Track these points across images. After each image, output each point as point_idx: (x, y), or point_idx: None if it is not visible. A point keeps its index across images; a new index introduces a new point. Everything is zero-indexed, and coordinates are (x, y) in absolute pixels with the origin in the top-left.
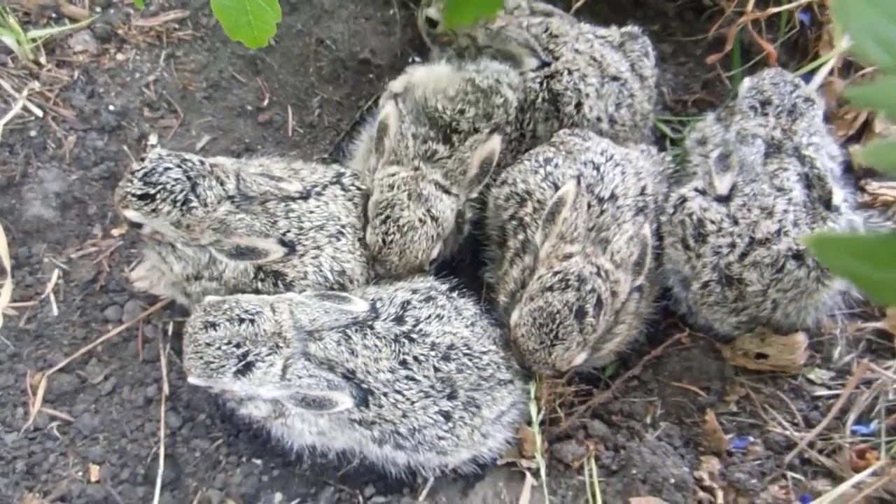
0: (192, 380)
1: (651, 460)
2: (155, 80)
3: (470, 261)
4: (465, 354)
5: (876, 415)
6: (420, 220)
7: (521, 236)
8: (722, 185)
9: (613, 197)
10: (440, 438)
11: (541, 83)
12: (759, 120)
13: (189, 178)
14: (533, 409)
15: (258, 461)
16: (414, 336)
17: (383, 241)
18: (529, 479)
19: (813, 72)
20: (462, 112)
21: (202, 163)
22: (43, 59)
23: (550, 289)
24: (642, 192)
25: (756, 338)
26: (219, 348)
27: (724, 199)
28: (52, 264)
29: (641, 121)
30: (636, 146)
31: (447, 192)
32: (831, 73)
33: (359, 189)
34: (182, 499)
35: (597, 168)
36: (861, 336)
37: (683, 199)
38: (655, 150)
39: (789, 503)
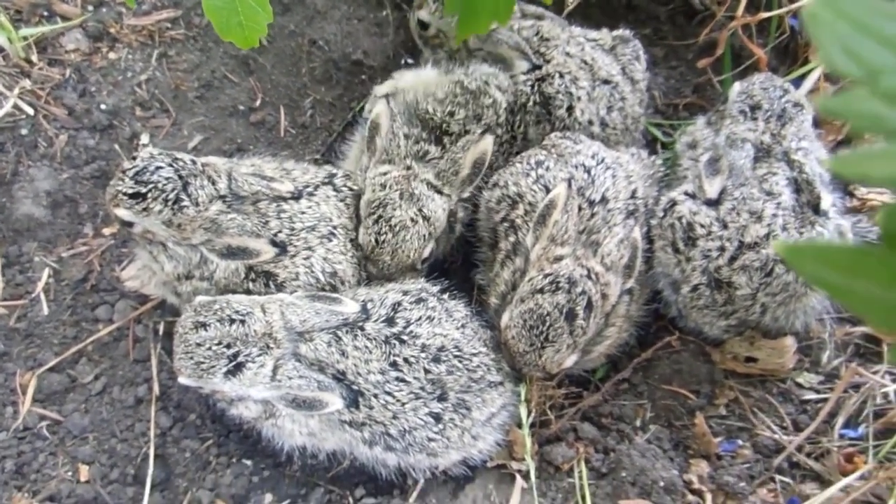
0: (182, 380)
1: (640, 463)
2: (147, 79)
3: (461, 263)
4: (456, 356)
5: (864, 419)
6: (412, 220)
7: (512, 239)
8: (711, 188)
9: (604, 200)
10: (430, 440)
11: (532, 86)
12: (749, 124)
13: (180, 177)
14: (523, 411)
15: (248, 462)
16: (404, 338)
17: (375, 240)
18: (519, 482)
19: (803, 77)
20: (452, 114)
21: (194, 162)
22: (34, 58)
23: (541, 291)
24: (633, 196)
25: (745, 341)
26: (209, 349)
27: (714, 203)
28: (42, 263)
29: (633, 124)
30: (627, 149)
31: (439, 191)
32: (821, 78)
33: (350, 190)
34: (172, 499)
35: (588, 171)
36: (849, 340)
37: (673, 203)
38: (646, 153)
39: None
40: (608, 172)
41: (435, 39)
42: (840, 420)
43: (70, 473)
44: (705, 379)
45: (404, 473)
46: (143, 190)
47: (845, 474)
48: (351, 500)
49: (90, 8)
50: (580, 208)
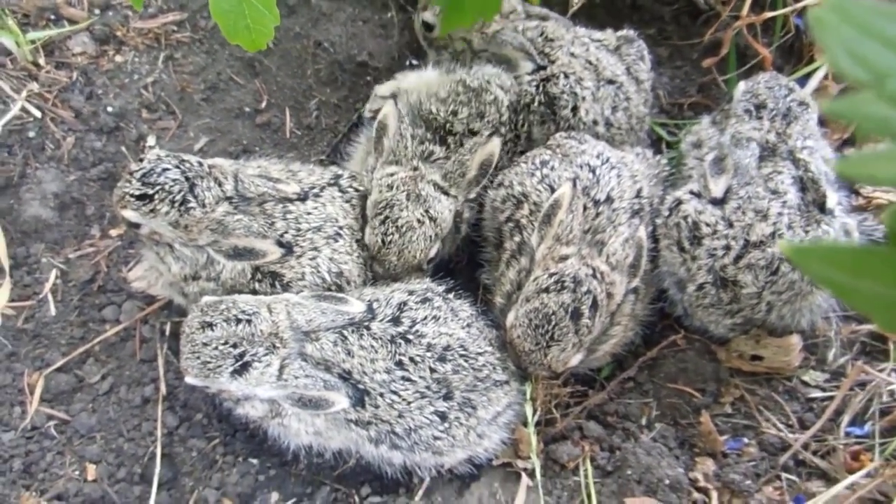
0: (189, 380)
1: (646, 461)
2: (153, 81)
3: (467, 262)
4: (461, 355)
5: (870, 416)
6: (418, 221)
7: (517, 238)
8: (717, 187)
9: (609, 199)
10: (436, 439)
11: (537, 86)
12: (754, 123)
13: (187, 178)
14: (528, 409)
15: (255, 461)
16: (410, 337)
17: (382, 241)
18: (525, 480)
19: (808, 75)
20: (455, 113)
21: (200, 164)
22: (42, 61)
23: (546, 290)
24: (638, 195)
25: (751, 340)
26: (216, 348)
27: (719, 202)
28: (50, 264)
29: (637, 124)
30: (632, 149)
31: (445, 193)
32: (826, 77)
33: (356, 190)
34: (178, 498)
35: (593, 171)
36: (855, 338)
37: (679, 202)
38: (651, 153)
39: None
40: (613, 172)
41: (439, 41)
42: (846, 418)
43: (77, 472)
44: (711, 377)
45: (410, 472)
46: (150, 191)
47: (851, 472)
48: (357, 498)
49: (97, 11)
50: (585, 208)
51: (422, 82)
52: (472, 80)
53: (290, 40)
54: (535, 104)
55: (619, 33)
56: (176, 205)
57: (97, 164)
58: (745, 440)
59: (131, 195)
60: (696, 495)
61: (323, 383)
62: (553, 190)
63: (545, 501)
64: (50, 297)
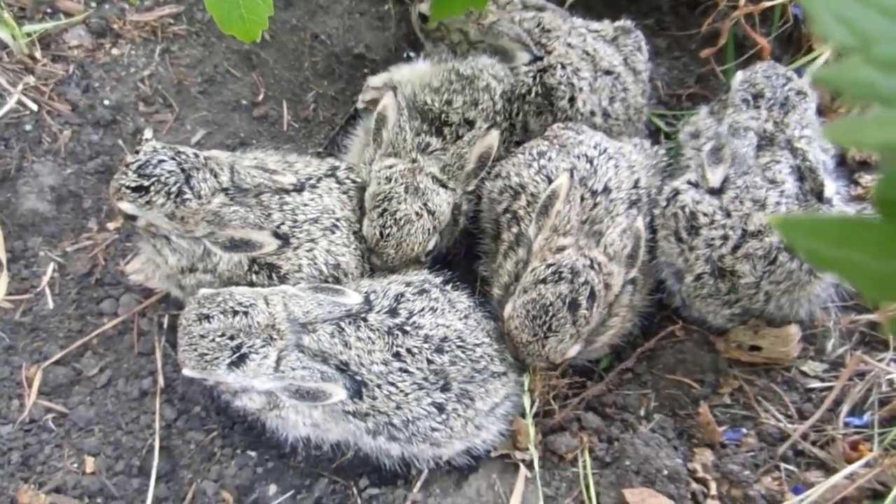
0: (186, 372)
1: (644, 452)
2: (150, 74)
3: (464, 254)
4: (459, 347)
5: (869, 406)
6: (417, 214)
7: (514, 229)
8: (714, 177)
9: (607, 190)
10: (434, 430)
11: (534, 77)
12: (752, 113)
13: (183, 170)
14: (526, 401)
15: (253, 453)
16: (407, 328)
17: (380, 233)
18: (523, 471)
19: (807, 65)
20: (449, 103)
21: (196, 155)
22: (38, 54)
23: (543, 281)
24: (636, 186)
25: (749, 330)
26: (213, 340)
27: (717, 192)
28: (47, 257)
29: (635, 115)
30: (630, 140)
31: (444, 185)
32: (825, 66)
33: (353, 182)
34: (177, 490)
35: (590, 161)
36: (854, 328)
37: (676, 192)
38: (649, 143)
39: (782, 494)
40: (611, 162)
41: (436, 33)
42: (845, 408)
43: (76, 465)
44: (709, 368)
45: (408, 463)
46: (146, 183)
47: (850, 462)
48: (355, 490)
49: (93, 4)
50: (583, 198)
51: (415, 74)
52: (464, 68)
53: (286, 33)
54: (532, 95)
55: (617, 24)
56: (172, 196)
57: (94, 158)
58: (744, 431)
59: (127, 187)
60: (694, 486)
61: (320, 375)
62: (550, 181)
63: (543, 493)
64: (48, 291)
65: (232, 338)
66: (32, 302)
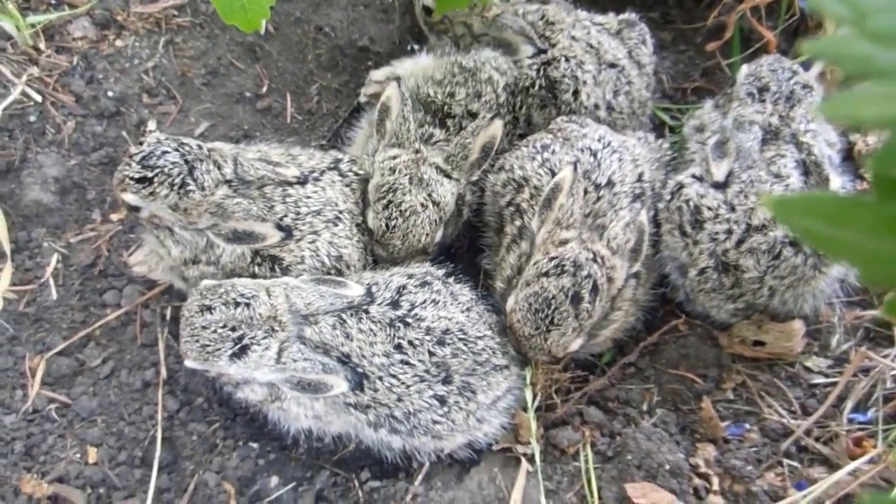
0: (188, 363)
1: (647, 447)
2: (154, 66)
3: (468, 247)
4: (461, 339)
5: (873, 403)
6: (422, 205)
7: (518, 222)
8: (718, 171)
9: (610, 183)
10: (435, 423)
11: (538, 70)
12: (757, 106)
13: (186, 161)
14: (528, 394)
15: (255, 445)
16: (409, 320)
17: (386, 225)
18: (525, 465)
19: (813, 59)
20: (452, 95)
21: (200, 147)
22: (42, 45)
23: (546, 274)
24: (639, 179)
25: (753, 325)
26: (214, 331)
27: (721, 186)
28: (51, 248)
29: (639, 108)
30: (634, 133)
31: (448, 176)
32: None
33: (356, 174)
34: (179, 481)
35: (594, 154)
36: (859, 324)
37: (680, 186)
38: (653, 137)
39: (785, 490)
40: (614, 156)
41: (440, 25)
42: (849, 404)
43: (78, 455)
44: (712, 363)
45: (410, 456)
46: (150, 174)
47: (854, 458)
48: (356, 482)
49: None
50: (586, 192)
51: (418, 67)
52: (467, 61)
53: (290, 25)
54: (536, 88)
55: (621, 17)
56: (175, 187)
57: (98, 149)
58: (747, 426)
59: (131, 178)
60: (696, 481)
61: (322, 367)
62: (554, 174)
63: (545, 487)
64: (51, 282)
65: (233, 329)
66: (36, 293)
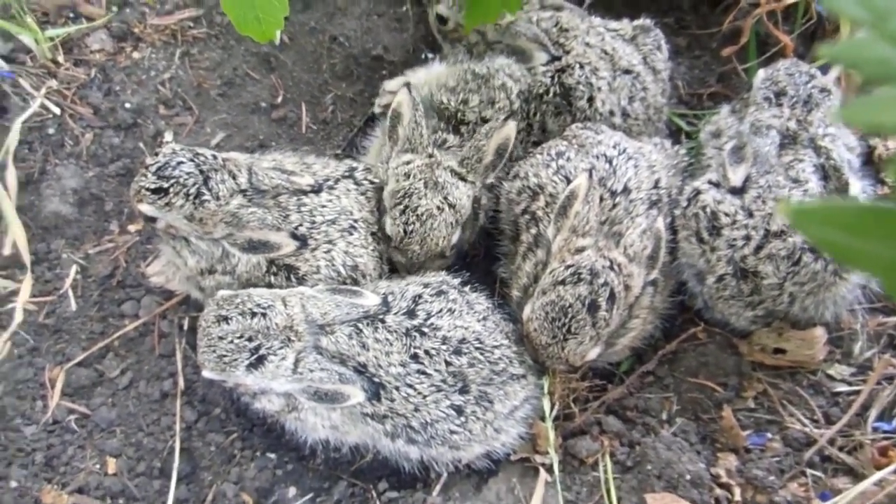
0: (205, 373)
1: (666, 456)
2: (170, 77)
3: (483, 256)
4: (477, 348)
5: None
6: (438, 208)
7: (533, 230)
8: (735, 176)
9: (626, 190)
10: (452, 433)
11: (552, 77)
12: (774, 111)
13: (201, 171)
14: (546, 404)
15: (272, 455)
16: (425, 330)
17: (404, 230)
18: (543, 475)
19: (830, 63)
20: (466, 102)
21: (215, 157)
22: (61, 58)
23: (562, 282)
24: (656, 186)
25: (773, 332)
26: (231, 342)
27: (739, 192)
28: (70, 260)
29: (655, 114)
30: (650, 140)
31: (463, 178)
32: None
33: (371, 183)
34: (197, 492)
35: (609, 161)
36: (882, 331)
37: (697, 192)
38: (669, 143)
39: (809, 501)
40: (630, 163)
41: (454, 34)
42: (873, 413)
43: (98, 466)
44: (733, 371)
45: (427, 467)
46: (165, 185)
47: (879, 468)
48: (374, 493)
49: (114, 8)
50: (602, 199)
51: (431, 76)
52: (480, 68)
53: (305, 35)
54: (550, 95)
55: (636, 23)
56: (190, 198)
57: (115, 160)
58: (769, 435)
59: (147, 189)
60: (718, 491)
61: (338, 377)
62: (569, 181)
63: (564, 497)
64: (70, 293)
65: (250, 339)
66: (55, 304)
